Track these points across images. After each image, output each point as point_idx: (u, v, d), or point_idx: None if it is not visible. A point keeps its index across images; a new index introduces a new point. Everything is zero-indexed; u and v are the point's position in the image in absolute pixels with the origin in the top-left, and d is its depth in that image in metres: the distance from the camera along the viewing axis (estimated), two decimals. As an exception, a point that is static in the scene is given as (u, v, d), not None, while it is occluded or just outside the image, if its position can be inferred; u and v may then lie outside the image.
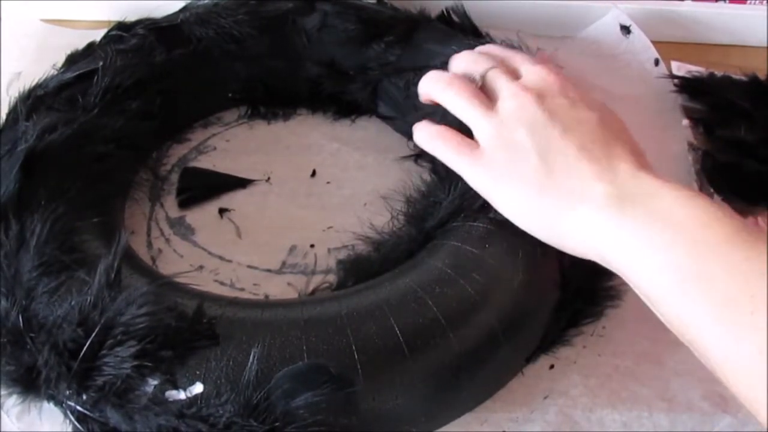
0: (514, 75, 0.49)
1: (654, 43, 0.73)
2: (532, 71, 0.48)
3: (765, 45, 0.75)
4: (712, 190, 0.61)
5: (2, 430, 0.45)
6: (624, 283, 0.52)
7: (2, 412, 0.45)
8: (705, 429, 0.48)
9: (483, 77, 0.49)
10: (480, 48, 0.54)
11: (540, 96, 0.46)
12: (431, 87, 0.51)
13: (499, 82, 0.48)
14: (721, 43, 0.78)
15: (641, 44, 0.73)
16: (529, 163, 0.44)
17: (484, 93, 0.48)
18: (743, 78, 0.68)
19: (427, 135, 0.50)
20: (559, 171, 0.43)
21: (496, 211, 0.47)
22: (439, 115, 0.51)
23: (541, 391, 0.49)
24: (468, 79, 0.49)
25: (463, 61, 0.51)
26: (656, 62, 0.72)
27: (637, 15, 0.75)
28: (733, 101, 0.66)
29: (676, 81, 0.69)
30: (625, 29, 0.74)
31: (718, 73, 0.70)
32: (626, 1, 0.76)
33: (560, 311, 0.50)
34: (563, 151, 0.44)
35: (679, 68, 0.72)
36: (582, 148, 0.43)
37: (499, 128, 0.46)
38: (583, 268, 0.50)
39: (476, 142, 0.47)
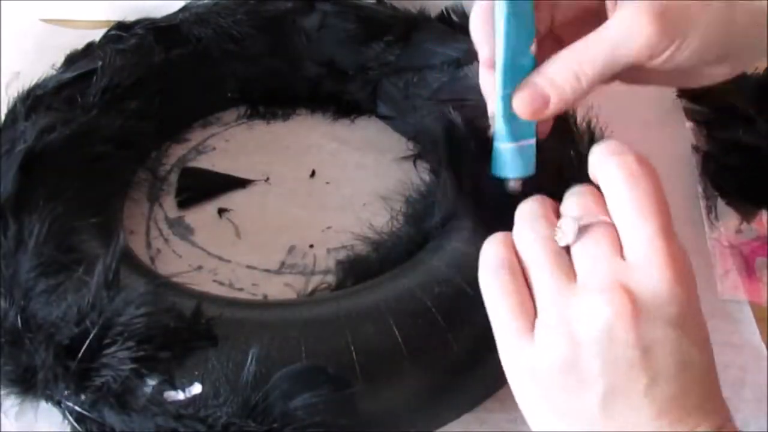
0: (619, 236, 0.34)
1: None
2: (645, 253, 0.33)
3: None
4: (715, 193, 0.61)
5: (1, 430, 0.45)
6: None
7: (1, 413, 0.45)
8: (704, 429, 0.47)
9: (582, 230, 0.35)
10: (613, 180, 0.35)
11: (641, 312, 0.31)
12: (518, 216, 0.38)
13: (594, 255, 0.34)
14: (721, 43, 0.77)
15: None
16: (583, 403, 0.32)
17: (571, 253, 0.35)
18: (746, 72, 0.68)
19: (484, 264, 0.37)
20: (621, 427, 0.32)
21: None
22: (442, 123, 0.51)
23: (541, 391, 0.49)
24: (552, 236, 0.36)
25: (574, 196, 0.37)
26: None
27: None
28: (736, 103, 0.65)
29: None
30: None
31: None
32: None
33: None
34: (636, 408, 0.32)
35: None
36: (661, 413, 0.31)
37: (564, 329, 0.33)
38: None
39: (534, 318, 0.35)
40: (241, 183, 0.61)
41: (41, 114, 0.54)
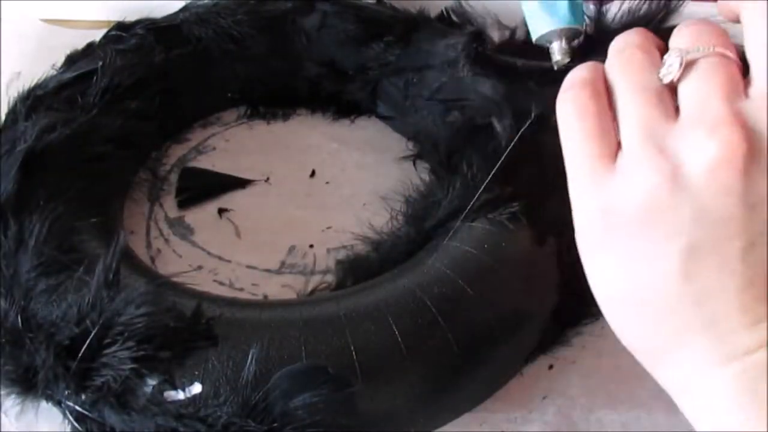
0: (741, 80, 0.28)
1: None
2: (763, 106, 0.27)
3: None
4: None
5: (1, 430, 0.45)
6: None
7: (1, 413, 0.45)
8: (704, 429, 0.48)
9: (690, 65, 0.28)
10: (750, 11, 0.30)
11: (754, 159, 0.26)
12: (611, 52, 0.31)
13: (707, 92, 0.28)
14: (721, 43, 0.77)
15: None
16: (664, 253, 0.27)
17: (673, 93, 0.29)
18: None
19: (564, 85, 0.31)
20: (698, 292, 0.27)
21: (495, 212, 0.47)
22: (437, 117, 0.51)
23: (540, 391, 0.49)
24: (652, 68, 0.30)
25: (687, 27, 0.30)
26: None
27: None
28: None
29: None
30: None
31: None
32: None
33: (559, 312, 0.50)
34: (724, 272, 0.27)
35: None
36: (749, 285, 0.26)
37: (657, 170, 0.27)
38: (582, 268, 0.50)
39: (617, 153, 0.29)
40: (241, 183, 0.61)
41: (42, 114, 0.54)
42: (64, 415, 0.43)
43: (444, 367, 0.44)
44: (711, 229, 0.26)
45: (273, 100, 0.66)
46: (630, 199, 0.28)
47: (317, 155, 0.63)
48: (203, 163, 0.63)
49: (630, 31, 0.31)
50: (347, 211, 0.59)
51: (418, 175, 0.60)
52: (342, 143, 0.64)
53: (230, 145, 0.64)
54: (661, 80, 0.29)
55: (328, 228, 0.58)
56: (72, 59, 0.60)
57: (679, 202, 0.27)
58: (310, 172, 0.62)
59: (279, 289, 0.54)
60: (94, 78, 0.57)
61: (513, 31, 0.60)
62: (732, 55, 0.28)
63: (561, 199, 0.50)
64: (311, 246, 0.56)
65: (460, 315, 0.44)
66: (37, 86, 0.57)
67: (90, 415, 0.42)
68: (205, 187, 0.60)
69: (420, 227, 0.51)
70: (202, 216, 0.59)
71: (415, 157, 0.62)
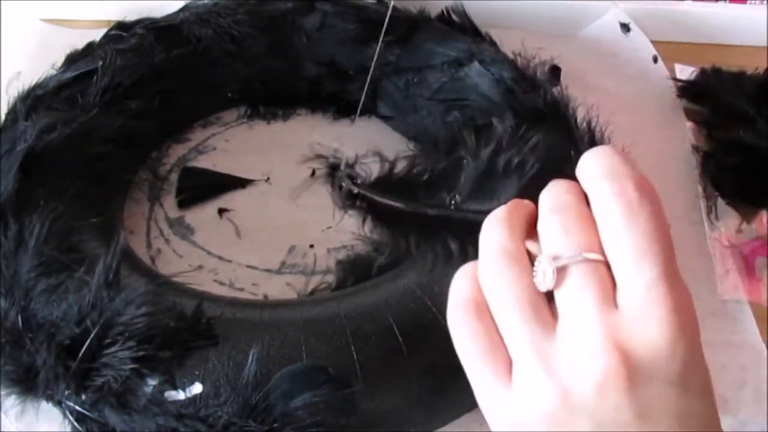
0: (612, 288, 0.29)
1: (654, 43, 0.73)
2: (643, 302, 0.28)
3: (765, 45, 0.75)
4: (716, 192, 0.61)
5: (2, 430, 0.45)
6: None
7: (1, 413, 0.45)
8: (704, 429, 0.48)
9: (563, 272, 0.29)
10: (599, 165, 0.30)
11: (637, 374, 0.27)
12: (482, 255, 0.31)
13: (580, 304, 0.28)
14: (721, 43, 0.78)
15: (640, 42, 0.74)
16: None
17: (550, 296, 0.30)
18: (746, 72, 0.68)
19: (451, 302, 0.32)
20: None
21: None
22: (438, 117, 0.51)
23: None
24: (531, 272, 0.30)
25: (552, 219, 0.30)
26: (654, 59, 0.72)
27: (637, 15, 0.75)
28: (736, 104, 0.66)
29: (678, 85, 0.69)
30: (625, 27, 0.75)
31: (725, 68, 0.70)
32: (627, 1, 0.76)
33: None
34: None
35: (682, 71, 0.72)
36: None
37: (545, 386, 0.28)
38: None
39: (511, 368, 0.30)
40: (241, 183, 0.61)
41: (41, 114, 0.54)
42: (65, 415, 0.43)
43: (444, 367, 0.44)
44: None
45: (273, 100, 0.66)
46: (531, 416, 0.29)
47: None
48: (203, 162, 0.63)
49: (494, 228, 0.31)
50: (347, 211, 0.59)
51: (419, 175, 0.60)
52: (342, 143, 0.64)
53: (230, 144, 0.64)
54: (537, 286, 0.29)
55: (329, 228, 0.58)
56: (72, 59, 0.60)
57: (576, 417, 0.28)
58: (310, 172, 0.62)
59: (279, 289, 0.54)
60: (94, 78, 0.57)
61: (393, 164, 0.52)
62: (598, 256, 0.29)
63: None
64: (311, 246, 0.56)
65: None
66: (37, 86, 0.57)
67: (90, 415, 0.42)
68: (205, 186, 0.60)
69: (420, 227, 0.51)
70: (202, 216, 0.59)
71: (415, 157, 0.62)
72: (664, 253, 0.28)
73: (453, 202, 0.46)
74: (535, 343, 0.28)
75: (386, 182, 0.49)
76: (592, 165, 0.30)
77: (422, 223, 0.47)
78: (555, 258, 0.29)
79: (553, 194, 0.31)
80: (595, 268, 0.29)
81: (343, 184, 0.46)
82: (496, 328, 0.30)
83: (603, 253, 0.29)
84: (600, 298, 0.28)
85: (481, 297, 0.31)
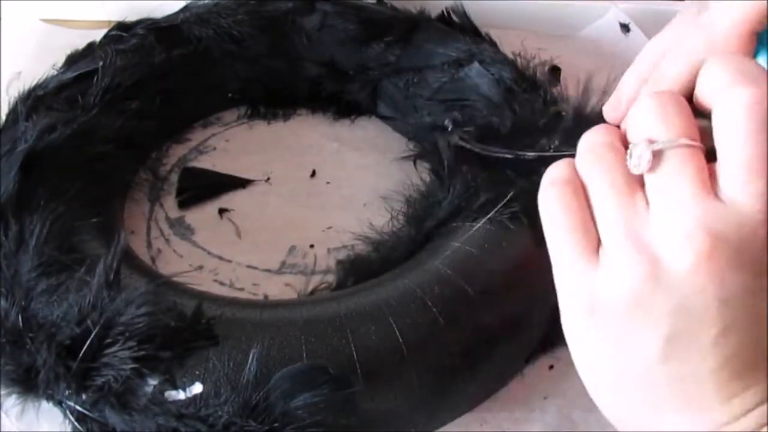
0: (710, 176, 0.29)
1: (651, 42, 0.73)
2: (744, 197, 0.28)
3: (765, 45, 0.75)
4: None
5: (2, 430, 0.45)
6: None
7: (2, 412, 0.45)
8: (704, 429, 0.48)
9: (659, 156, 0.29)
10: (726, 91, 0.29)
11: (729, 261, 0.27)
12: (580, 152, 0.32)
13: (676, 189, 0.29)
14: (721, 43, 0.78)
15: (640, 42, 0.73)
16: (646, 339, 0.29)
17: (644, 181, 0.30)
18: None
19: (545, 180, 0.33)
20: (676, 374, 0.29)
21: (495, 211, 0.47)
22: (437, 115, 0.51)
23: (541, 391, 0.49)
24: (621, 162, 0.31)
25: (650, 106, 0.31)
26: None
27: (637, 15, 0.75)
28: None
29: None
30: (625, 27, 0.75)
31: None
32: (627, 1, 0.76)
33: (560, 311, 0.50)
34: (700, 355, 0.28)
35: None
36: (724, 365, 0.28)
37: (632, 264, 0.29)
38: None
39: (599, 247, 0.31)
40: (241, 183, 0.61)
41: (42, 114, 0.54)
42: (65, 415, 0.43)
43: (444, 367, 0.44)
44: (688, 320, 0.28)
45: (273, 100, 0.67)
46: (614, 292, 0.29)
47: (318, 155, 0.63)
48: (204, 163, 0.63)
49: (594, 129, 0.32)
50: (348, 211, 0.59)
51: (419, 175, 0.61)
52: (342, 143, 0.64)
53: (231, 145, 0.64)
54: (630, 171, 0.30)
55: (329, 228, 0.58)
56: (72, 59, 0.60)
57: (659, 296, 0.28)
58: (310, 172, 0.62)
59: (279, 288, 0.54)
60: (95, 78, 0.57)
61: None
62: (696, 142, 0.29)
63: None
64: (312, 246, 0.56)
65: (460, 315, 0.44)
66: (38, 86, 0.57)
67: (91, 415, 0.42)
68: (205, 187, 0.60)
69: (420, 227, 0.51)
70: (202, 216, 0.59)
71: (416, 157, 0.62)
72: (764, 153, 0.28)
73: (551, 146, 0.48)
74: (628, 221, 0.29)
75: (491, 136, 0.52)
76: (723, 67, 0.30)
77: (524, 165, 0.48)
78: (652, 141, 0.29)
79: (655, 83, 0.32)
80: (693, 153, 0.29)
81: (451, 141, 0.47)
82: (590, 211, 0.31)
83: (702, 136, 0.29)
84: (697, 183, 0.28)
85: (579, 180, 0.32)
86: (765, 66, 0.36)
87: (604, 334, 0.30)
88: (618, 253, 0.29)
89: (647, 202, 0.29)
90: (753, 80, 0.28)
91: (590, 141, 0.32)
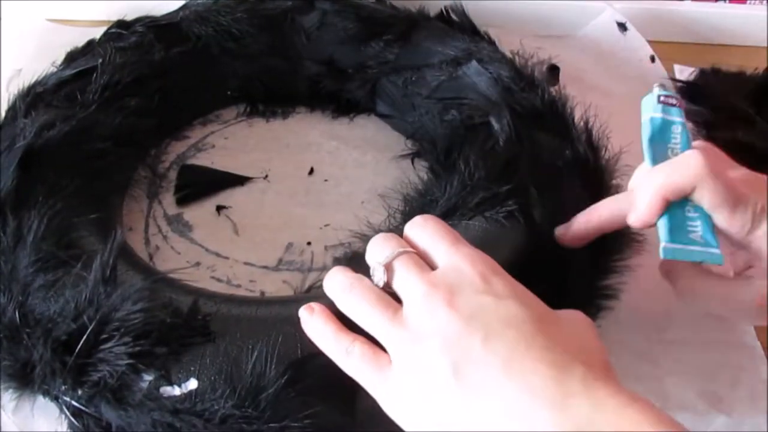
0: (429, 262, 0.40)
1: (654, 43, 0.73)
2: (446, 259, 0.39)
3: (765, 45, 0.75)
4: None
5: (2, 429, 0.45)
6: (620, 283, 0.52)
7: (1, 411, 0.45)
8: (700, 428, 0.48)
9: (389, 268, 0.39)
10: (409, 227, 0.42)
11: (453, 293, 0.36)
12: (333, 291, 0.41)
13: (406, 277, 0.38)
14: (721, 43, 0.78)
15: (637, 41, 0.74)
16: (442, 384, 0.35)
17: (392, 289, 0.39)
18: (746, 73, 0.68)
19: (312, 330, 0.40)
20: (479, 391, 0.34)
21: (491, 210, 0.48)
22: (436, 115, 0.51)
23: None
24: (369, 279, 0.40)
25: (372, 246, 0.41)
26: (652, 59, 0.72)
27: (637, 15, 0.75)
28: (736, 104, 0.66)
29: (677, 85, 0.69)
30: (622, 27, 0.75)
31: (724, 68, 0.70)
32: (627, 1, 0.76)
33: (556, 309, 0.50)
34: (485, 365, 0.34)
35: (682, 71, 0.73)
36: (509, 360, 0.34)
37: (406, 343, 0.36)
38: (578, 267, 0.50)
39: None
40: (239, 180, 0.61)
41: (41, 111, 0.54)
42: (61, 410, 0.43)
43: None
44: (455, 346, 0.35)
45: (272, 98, 0.67)
46: (409, 377, 0.36)
47: (316, 153, 0.64)
48: (202, 160, 0.63)
49: (332, 273, 0.41)
50: (345, 208, 0.59)
51: (416, 174, 0.61)
52: (341, 141, 0.65)
53: (229, 142, 0.64)
54: (377, 285, 0.39)
55: (326, 225, 0.58)
56: (72, 56, 0.60)
57: (429, 349, 0.36)
58: (308, 170, 0.62)
59: (276, 285, 0.54)
60: (94, 75, 0.57)
61: None
62: (409, 248, 0.40)
63: (557, 198, 0.50)
64: (309, 243, 0.57)
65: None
66: (37, 83, 0.57)
67: (86, 410, 0.42)
68: (203, 184, 0.61)
69: (417, 225, 0.51)
70: (200, 213, 0.59)
71: (414, 156, 0.63)
72: (449, 235, 0.40)
73: None
74: (387, 318, 0.37)
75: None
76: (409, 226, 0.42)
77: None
78: (379, 261, 0.39)
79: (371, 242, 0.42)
80: (409, 255, 0.40)
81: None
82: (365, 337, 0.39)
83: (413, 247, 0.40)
84: (418, 267, 0.39)
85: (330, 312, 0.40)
86: (663, 226, 0.43)
87: (418, 404, 0.36)
88: (401, 354, 0.37)
89: (398, 299, 0.38)
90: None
91: (336, 283, 0.40)
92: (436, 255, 0.39)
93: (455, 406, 0.35)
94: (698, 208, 0.43)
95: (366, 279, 0.40)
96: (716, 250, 0.42)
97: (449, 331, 0.35)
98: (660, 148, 0.45)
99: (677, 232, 0.42)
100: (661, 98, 0.46)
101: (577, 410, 0.33)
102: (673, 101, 0.46)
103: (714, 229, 0.42)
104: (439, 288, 0.37)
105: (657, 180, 0.43)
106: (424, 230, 0.41)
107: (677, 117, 0.46)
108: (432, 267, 0.39)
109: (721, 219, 0.42)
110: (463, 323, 0.35)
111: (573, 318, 0.39)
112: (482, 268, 0.38)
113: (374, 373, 0.37)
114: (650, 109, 0.46)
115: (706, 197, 0.42)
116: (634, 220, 0.44)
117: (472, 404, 0.34)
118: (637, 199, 0.44)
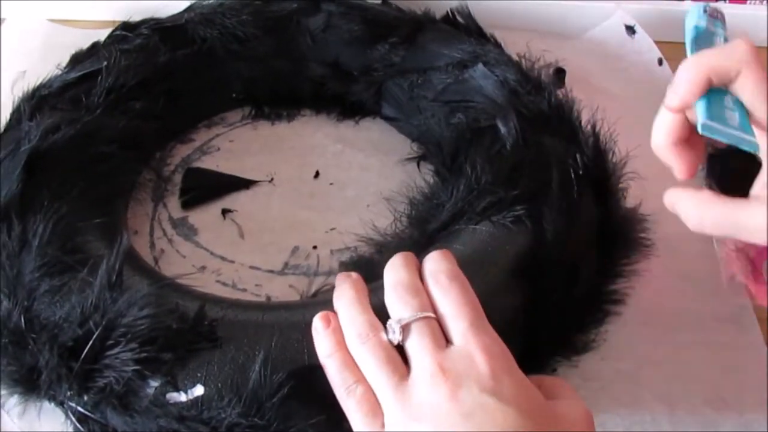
0: (443, 336, 0.40)
1: (655, 43, 0.73)
2: (462, 342, 0.39)
3: (765, 45, 0.75)
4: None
5: (3, 430, 0.45)
6: (627, 287, 0.52)
7: (3, 412, 0.45)
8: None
9: (407, 328, 0.39)
10: (432, 282, 0.42)
11: (459, 386, 0.37)
12: (347, 334, 0.41)
13: (419, 347, 0.39)
14: (721, 43, 0.78)
15: (645, 44, 0.73)
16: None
17: (402, 348, 0.40)
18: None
19: (321, 346, 0.41)
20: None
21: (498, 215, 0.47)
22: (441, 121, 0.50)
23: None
24: (383, 334, 0.40)
25: (394, 292, 0.41)
26: (660, 62, 0.72)
27: (639, 15, 0.75)
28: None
29: None
30: (630, 29, 0.74)
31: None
32: (628, 1, 0.76)
33: (564, 314, 0.50)
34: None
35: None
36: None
37: (403, 417, 0.37)
38: (586, 272, 0.50)
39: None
40: (245, 184, 0.61)
41: (46, 114, 0.54)
42: (67, 415, 0.43)
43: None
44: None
45: (277, 101, 0.66)
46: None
47: (321, 156, 0.63)
48: (207, 163, 0.63)
49: (348, 314, 0.41)
50: (351, 212, 0.59)
51: (422, 177, 0.60)
52: (346, 144, 0.64)
53: (234, 145, 0.64)
54: (391, 342, 0.39)
55: (332, 229, 0.58)
56: (76, 59, 0.60)
57: (418, 422, 0.37)
58: (314, 173, 0.62)
59: (282, 290, 0.54)
60: (99, 78, 0.57)
61: None
62: (430, 313, 0.40)
63: (564, 203, 0.50)
64: (315, 247, 0.56)
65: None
66: (42, 86, 0.57)
67: (92, 416, 0.42)
68: (208, 187, 0.60)
69: (423, 229, 0.51)
70: (205, 216, 0.59)
71: (419, 159, 0.62)
72: (472, 312, 0.40)
73: None
74: (396, 391, 0.38)
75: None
76: (426, 264, 0.42)
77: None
78: (399, 320, 0.39)
79: (392, 272, 0.42)
80: (428, 321, 0.40)
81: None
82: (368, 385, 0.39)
83: (434, 311, 0.40)
84: (434, 342, 0.39)
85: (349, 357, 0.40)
86: (702, 106, 0.41)
87: None
88: (393, 416, 0.38)
89: (406, 363, 0.39)
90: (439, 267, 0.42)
91: (351, 326, 0.40)
92: (454, 331, 0.39)
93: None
94: (736, 101, 0.41)
95: (380, 333, 0.40)
96: (753, 138, 0.40)
97: (445, 423, 0.36)
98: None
99: (716, 113, 0.41)
100: (707, 9, 0.45)
101: None
102: (718, 15, 0.45)
103: (750, 123, 0.41)
104: (447, 375, 0.37)
105: (702, 59, 0.41)
106: (446, 295, 0.40)
107: (721, 29, 0.45)
108: (447, 338, 0.39)
109: (760, 111, 0.40)
110: (460, 419, 0.36)
111: (574, 418, 0.39)
112: (494, 365, 0.38)
113: (367, 424, 0.38)
114: (695, 18, 0.45)
115: (748, 86, 0.40)
116: (672, 98, 0.41)
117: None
118: (678, 75, 0.41)
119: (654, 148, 0.44)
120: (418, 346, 0.39)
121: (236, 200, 0.60)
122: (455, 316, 0.40)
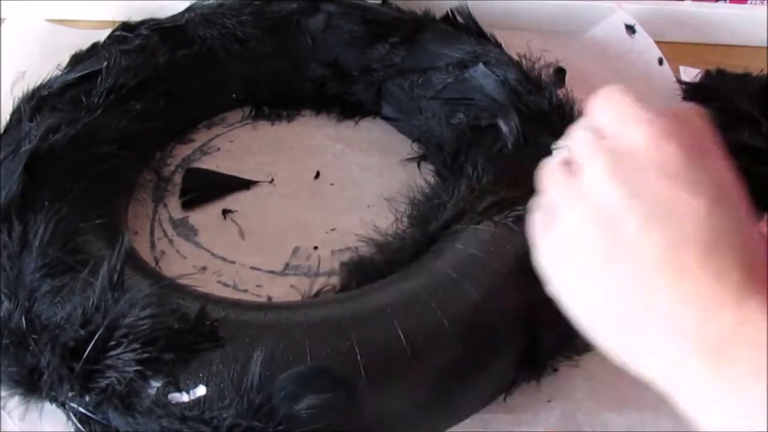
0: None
1: (655, 43, 0.73)
2: (634, 128, 0.34)
3: (765, 45, 0.75)
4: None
5: (3, 430, 0.45)
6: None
7: (4, 413, 0.45)
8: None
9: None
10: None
11: (621, 162, 0.33)
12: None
13: (581, 141, 0.36)
14: (722, 43, 0.78)
15: (645, 44, 0.73)
16: (587, 258, 0.33)
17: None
18: (751, 74, 0.68)
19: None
20: (626, 282, 0.32)
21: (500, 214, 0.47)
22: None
23: (545, 394, 0.49)
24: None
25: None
26: (660, 61, 0.72)
27: (638, 15, 0.75)
28: (741, 105, 0.65)
29: (683, 88, 0.69)
30: (630, 29, 0.74)
31: (729, 70, 0.70)
32: (628, 1, 0.76)
33: (564, 315, 0.50)
34: (637, 255, 0.31)
35: (686, 72, 0.72)
36: (666, 255, 0.31)
37: (567, 204, 0.35)
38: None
39: None
40: (245, 184, 0.61)
41: (46, 114, 0.54)
42: (68, 416, 0.43)
43: (449, 369, 0.44)
44: (609, 223, 0.32)
45: (277, 101, 0.66)
46: (558, 237, 0.36)
47: (322, 156, 0.63)
48: (207, 163, 0.62)
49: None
50: (352, 212, 0.59)
51: (423, 177, 0.60)
52: (347, 144, 0.64)
53: (234, 145, 0.64)
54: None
55: (333, 230, 0.57)
56: (76, 59, 0.60)
57: (575, 211, 0.34)
58: (314, 174, 0.62)
59: (283, 290, 0.54)
60: (99, 78, 0.57)
61: None
62: None
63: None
64: (315, 247, 0.56)
65: (465, 317, 0.44)
66: (42, 86, 0.57)
67: (94, 416, 0.42)
68: (209, 187, 0.60)
69: (425, 229, 0.51)
70: (206, 217, 0.59)
71: (420, 159, 0.62)
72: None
73: None
74: (561, 177, 0.36)
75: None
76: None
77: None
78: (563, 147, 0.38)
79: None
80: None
81: None
82: None
83: None
84: (594, 134, 0.35)
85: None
86: None
87: (564, 261, 0.35)
88: (564, 208, 0.35)
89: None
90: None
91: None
92: (624, 124, 0.35)
93: (596, 286, 0.33)
94: None
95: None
96: None
97: (606, 204, 0.32)
98: None
99: None
100: None
101: (722, 322, 0.30)
102: None
103: None
104: (607, 153, 0.33)
105: None
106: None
107: None
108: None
109: None
110: (624, 198, 0.32)
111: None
112: (674, 145, 0.33)
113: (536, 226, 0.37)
114: None
115: None
116: None
117: (613, 290, 0.32)
118: None
119: None
120: (582, 139, 0.36)
121: (236, 201, 0.60)
122: (634, 119, 0.35)
